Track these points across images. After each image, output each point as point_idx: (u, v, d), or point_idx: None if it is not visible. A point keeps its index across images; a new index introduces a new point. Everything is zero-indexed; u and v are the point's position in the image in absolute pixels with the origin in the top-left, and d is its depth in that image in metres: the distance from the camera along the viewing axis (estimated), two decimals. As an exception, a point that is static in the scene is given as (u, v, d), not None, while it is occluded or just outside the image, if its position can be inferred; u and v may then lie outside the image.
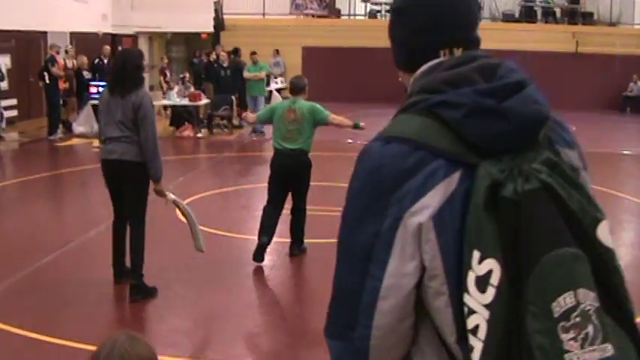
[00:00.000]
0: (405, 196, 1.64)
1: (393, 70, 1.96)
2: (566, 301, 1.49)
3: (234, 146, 18.58)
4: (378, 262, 1.66)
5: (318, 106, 8.76)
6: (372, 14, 32.94)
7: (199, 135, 19.23)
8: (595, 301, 1.51)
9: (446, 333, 1.67)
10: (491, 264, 1.53)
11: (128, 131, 6.99)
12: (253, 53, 20.55)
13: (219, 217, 10.68)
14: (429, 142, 1.64)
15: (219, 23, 29.93)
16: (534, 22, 31.49)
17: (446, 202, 1.62)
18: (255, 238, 8.56)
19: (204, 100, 20.40)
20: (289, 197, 8.78)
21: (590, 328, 1.49)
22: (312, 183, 8.79)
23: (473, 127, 1.61)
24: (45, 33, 22.30)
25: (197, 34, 30.91)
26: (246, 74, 19.83)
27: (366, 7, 33.04)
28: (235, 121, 20.25)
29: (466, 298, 1.57)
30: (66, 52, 20.53)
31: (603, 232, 1.59)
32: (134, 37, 30.77)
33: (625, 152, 18.30)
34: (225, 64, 20.66)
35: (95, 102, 19.20)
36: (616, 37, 29.44)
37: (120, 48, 28.10)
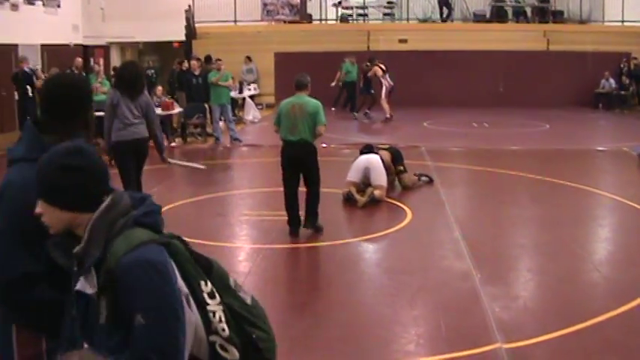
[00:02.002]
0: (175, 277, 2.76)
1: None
2: (232, 281, 3.01)
3: (208, 154, 18.47)
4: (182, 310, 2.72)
5: (321, 109, 9.66)
6: (344, 18, 32.99)
7: (173, 144, 19.08)
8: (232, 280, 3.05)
9: (201, 333, 2.80)
10: (209, 284, 2.87)
11: (142, 120, 9.73)
12: (217, 60, 20.55)
13: (195, 225, 10.59)
14: (157, 240, 2.75)
15: (190, 32, 29.80)
16: (505, 22, 31.68)
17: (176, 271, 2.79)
18: (231, 245, 9.61)
19: (177, 109, 20.30)
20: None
21: (244, 288, 3.05)
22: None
23: (159, 223, 2.86)
24: (16, 46, 22.10)
25: (169, 43, 30.80)
26: (214, 79, 19.43)
27: (337, 11, 33.03)
28: (209, 129, 20.16)
29: (208, 307, 2.83)
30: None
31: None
32: (106, 48, 30.60)
33: (599, 149, 18.37)
34: (197, 73, 20.45)
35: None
36: (586, 34, 29.65)
37: (92, 59, 27.99)
